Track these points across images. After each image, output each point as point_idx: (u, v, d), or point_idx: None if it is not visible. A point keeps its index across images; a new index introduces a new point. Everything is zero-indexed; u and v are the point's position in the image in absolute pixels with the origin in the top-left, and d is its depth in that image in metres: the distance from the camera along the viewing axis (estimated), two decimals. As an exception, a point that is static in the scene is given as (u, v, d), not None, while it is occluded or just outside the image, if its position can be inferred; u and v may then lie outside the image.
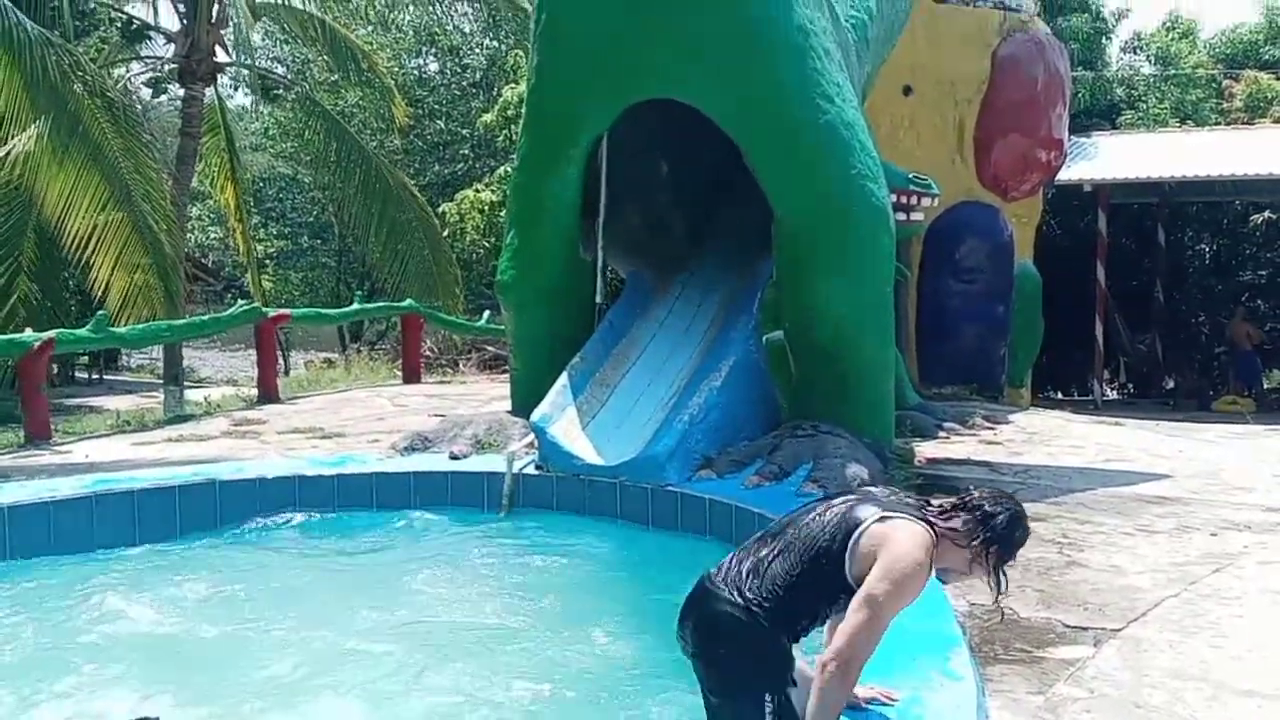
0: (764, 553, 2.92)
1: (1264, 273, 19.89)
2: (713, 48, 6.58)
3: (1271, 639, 4.04)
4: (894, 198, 8.68)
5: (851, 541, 2.83)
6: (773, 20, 6.74)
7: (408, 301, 15.16)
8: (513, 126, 21.01)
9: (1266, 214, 19.50)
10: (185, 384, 14.97)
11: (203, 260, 31.17)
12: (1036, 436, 9.09)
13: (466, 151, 28.11)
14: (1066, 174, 15.23)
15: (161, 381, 16.52)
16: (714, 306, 7.70)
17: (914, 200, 9.35)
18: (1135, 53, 22.38)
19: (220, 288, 33.11)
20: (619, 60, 6.73)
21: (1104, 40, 20.50)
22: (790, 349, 7.49)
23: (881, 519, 2.85)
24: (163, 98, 17.63)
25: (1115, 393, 19.82)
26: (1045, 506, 6.14)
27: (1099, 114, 19.63)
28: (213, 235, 33.06)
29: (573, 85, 7.02)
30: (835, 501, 2.99)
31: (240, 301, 12.78)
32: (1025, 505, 5.84)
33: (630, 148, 7.73)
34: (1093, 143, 17.88)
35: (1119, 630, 4.11)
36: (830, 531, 2.87)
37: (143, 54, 15.53)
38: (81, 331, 9.65)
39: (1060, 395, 19.37)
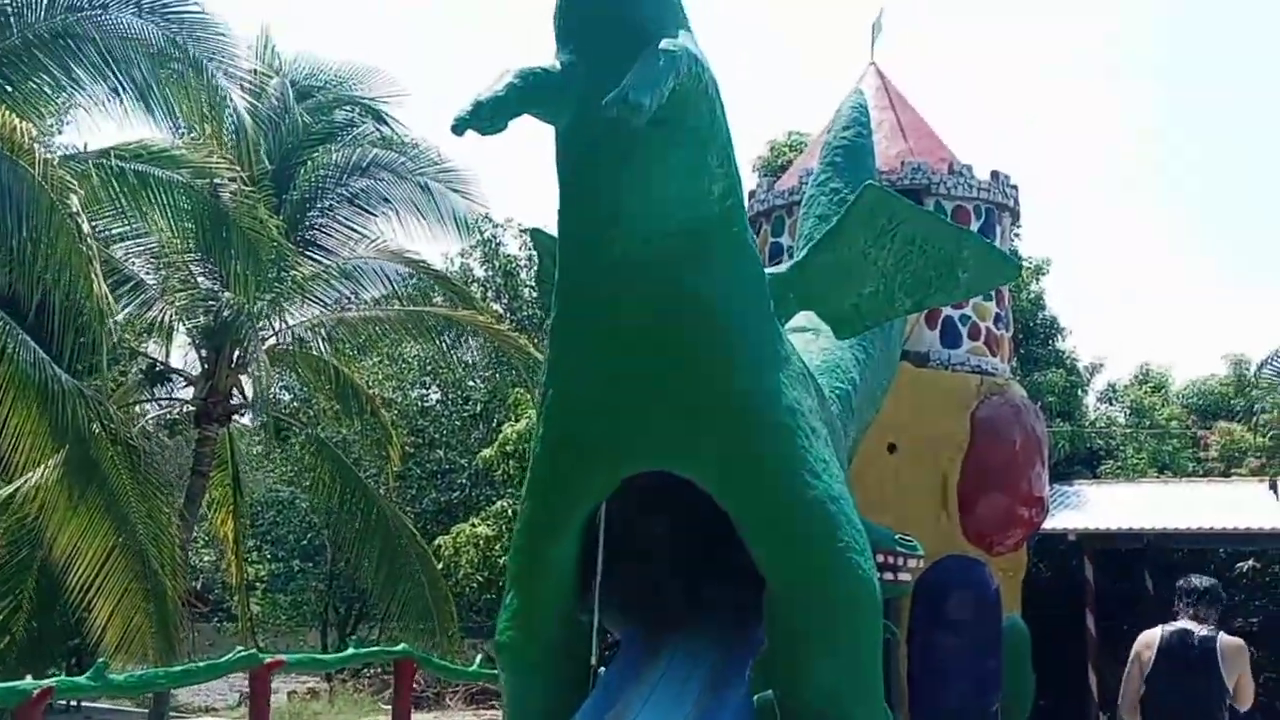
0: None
1: (1255, 620, 19.96)
2: (705, 427, 7.08)
3: None
4: (881, 558, 9.00)
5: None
6: (762, 402, 7.28)
7: (401, 646, 15.18)
8: (511, 462, 21.63)
9: (1251, 562, 19.80)
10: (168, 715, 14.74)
11: (192, 584, 31.06)
12: (1031, 800, 9.01)
13: (464, 481, 28.71)
14: (1051, 523, 15.64)
15: (141, 711, 16.25)
16: (706, 671, 7.84)
17: (901, 561, 9.65)
18: (1111, 403, 23.38)
19: (207, 610, 32.83)
20: (618, 436, 7.22)
21: (1080, 393, 21.49)
22: (780, 714, 7.58)
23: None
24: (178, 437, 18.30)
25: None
26: None
27: (1080, 462, 20.31)
28: (205, 559, 33.10)
29: (574, 457, 7.47)
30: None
31: (239, 649, 12.82)
32: None
33: (628, 509, 8.10)
34: (1075, 491, 18.44)
35: None
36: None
37: (159, 396, 16.27)
38: (81, 680, 9.75)
39: (1059, 745, 18.97)
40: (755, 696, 7.99)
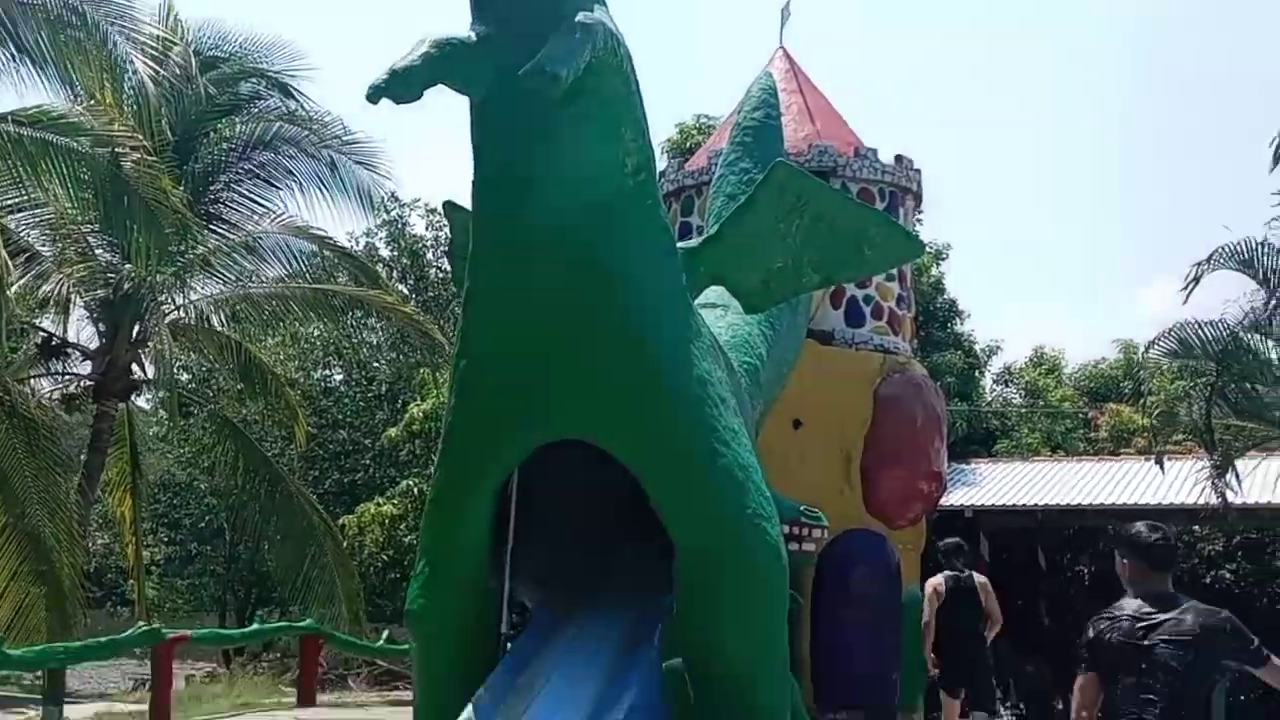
0: None
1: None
2: (617, 396, 7.18)
3: None
4: (786, 529, 9.19)
5: None
6: (673, 371, 7.40)
7: (307, 621, 15.06)
8: (417, 441, 21.52)
9: (1138, 538, 20.52)
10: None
11: (86, 567, 30.27)
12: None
13: (368, 461, 28.45)
14: (948, 500, 16.09)
15: (33, 697, 15.90)
16: (617, 637, 7.94)
17: (805, 531, 9.88)
18: (1007, 385, 24.06)
19: (100, 594, 32.05)
20: (530, 405, 7.28)
21: (977, 374, 22.07)
22: (689, 679, 7.72)
23: None
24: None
25: (1009, 713, 20.05)
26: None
27: (977, 441, 20.87)
28: (99, 541, 32.32)
29: (486, 426, 7.52)
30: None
31: (140, 624, 12.63)
32: None
33: (540, 477, 8.17)
34: (972, 469, 18.95)
35: None
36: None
37: (55, 370, 15.87)
38: (-25, 655, 9.50)
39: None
40: (665, 663, 8.13)
